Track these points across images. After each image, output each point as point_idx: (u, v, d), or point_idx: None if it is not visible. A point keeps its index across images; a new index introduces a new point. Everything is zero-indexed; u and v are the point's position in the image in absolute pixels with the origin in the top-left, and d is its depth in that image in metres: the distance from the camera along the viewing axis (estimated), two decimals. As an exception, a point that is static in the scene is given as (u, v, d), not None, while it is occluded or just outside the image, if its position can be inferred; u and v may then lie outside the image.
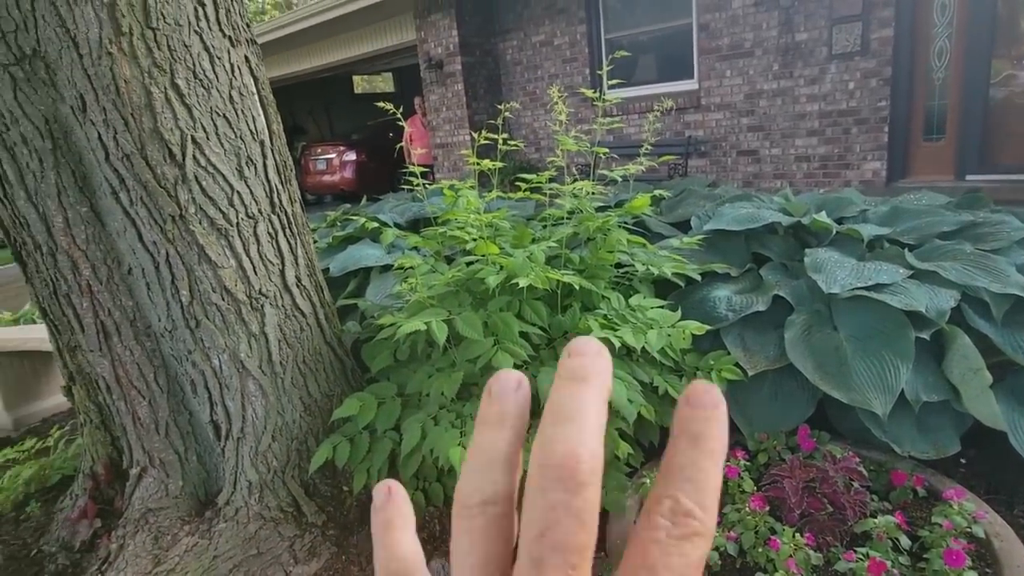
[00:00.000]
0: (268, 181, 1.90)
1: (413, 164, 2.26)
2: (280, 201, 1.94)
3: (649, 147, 2.22)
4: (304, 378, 2.02)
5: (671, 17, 6.65)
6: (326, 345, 2.11)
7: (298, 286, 2.00)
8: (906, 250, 2.18)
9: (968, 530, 1.52)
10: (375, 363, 2.07)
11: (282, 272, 1.94)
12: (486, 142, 1.98)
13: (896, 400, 1.80)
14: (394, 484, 0.27)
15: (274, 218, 1.92)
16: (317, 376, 2.06)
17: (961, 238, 2.25)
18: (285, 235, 1.96)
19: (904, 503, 1.71)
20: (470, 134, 7.94)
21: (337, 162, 10.91)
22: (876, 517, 1.55)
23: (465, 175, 3.85)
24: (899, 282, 2.01)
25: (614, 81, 6.16)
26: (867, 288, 1.99)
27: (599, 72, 2.38)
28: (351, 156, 10.81)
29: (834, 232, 2.34)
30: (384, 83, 18.98)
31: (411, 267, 2.01)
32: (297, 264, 2.01)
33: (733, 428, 2.05)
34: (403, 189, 3.30)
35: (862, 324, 1.98)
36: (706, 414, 0.21)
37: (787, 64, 5.84)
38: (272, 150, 1.93)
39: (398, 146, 2.14)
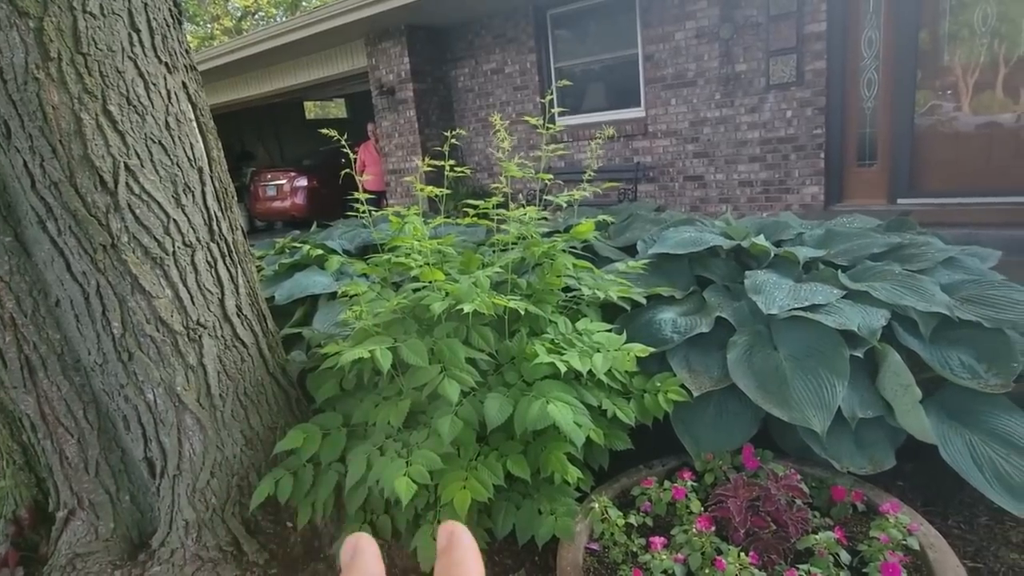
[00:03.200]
0: (207, 208, 1.85)
1: (364, 191, 2.25)
2: (220, 229, 1.90)
3: (593, 174, 2.27)
4: (245, 410, 1.95)
5: (618, 47, 6.86)
6: (269, 376, 2.05)
7: (239, 315, 1.95)
8: (839, 271, 2.27)
9: (904, 543, 1.56)
10: (320, 393, 2.02)
11: (222, 301, 1.89)
12: (429, 169, 1.99)
13: (834, 417, 1.86)
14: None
15: (213, 246, 1.87)
16: (259, 408, 2.00)
17: (890, 259, 2.36)
18: (225, 263, 1.91)
19: (844, 518, 1.75)
20: (421, 162, 7.96)
21: (288, 188, 10.75)
22: (818, 533, 1.58)
23: (418, 200, 3.84)
24: (833, 302, 2.09)
25: (562, 110, 6.28)
26: (804, 308, 2.06)
27: (542, 100, 2.41)
28: (302, 182, 10.67)
29: (772, 255, 2.43)
30: (337, 109, 18.91)
31: (357, 294, 1.99)
32: (238, 293, 1.96)
33: (680, 449, 2.07)
34: (353, 215, 3.27)
35: (800, 344, 2.04)
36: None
37: (728, 93, 6.07)
38: (212, 177, 1.89)
39: (344, 172, 2.13)
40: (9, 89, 1.52)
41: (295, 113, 15.38)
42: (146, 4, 1.68)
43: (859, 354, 1.94)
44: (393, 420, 1.78)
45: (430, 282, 1.91)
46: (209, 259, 1.85)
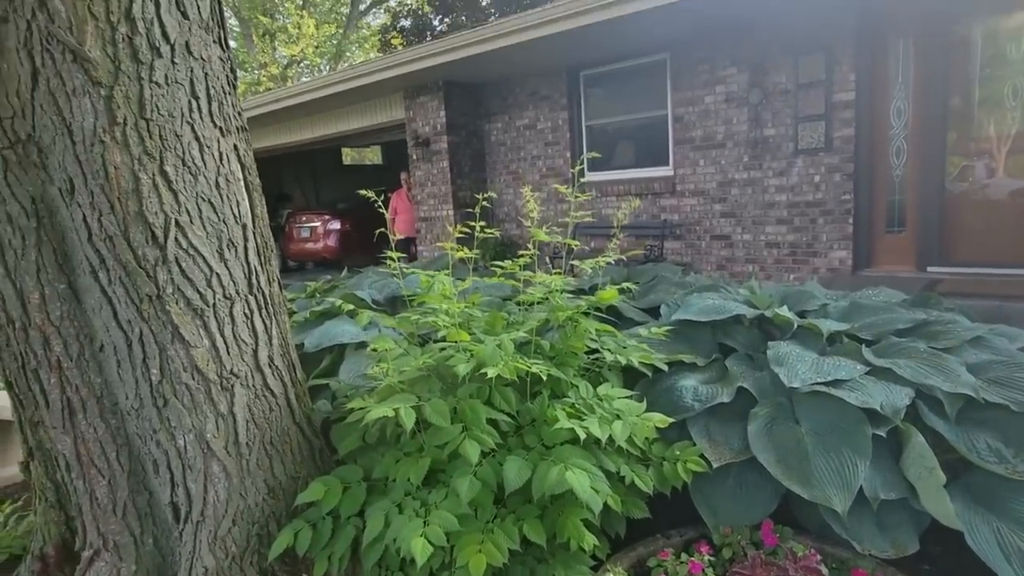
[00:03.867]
0: (248, 263, 1.94)
1: (395, 234, 2.34)
2: (258, 282, 1.99)
3: (619, 238, 2.33)
4: (270, 460, 2.00)
5: (648, 108, 7.02)
6: (295, 426, 2.10)
7: (270, 366, 2.02)
8: (863, 346, 2.27)
9: (927, 635, 1.52)
10: (343, 445, 2.06)
11: (255, 352, 1.96)
12: (462, 234, 2.06)
13: (856, 497, 1.83)
14: None
15: (251, 299, 1.95)
16: (284, 458, 2.04)
17: (915, 335, 2.35)
18: (261, 315, 1.99)
19: (865, 604, 1.71)
20: (452, 211, 8.14)
21: (321, 230, 11.05)
22: (836, 619, 1.55)
23: (447, 251, 3.95)
24: (857, 378, 2.08)
25: (593, 155, 6.41)
26: (826, 383, 2.05)
27: (573, 171, 2.50)
28: (335, 225, 10.96)
29: (796, 326, 2.43)
30: (372, 155, 19.48)
31: (385, 349, 2.04)
32: (271, 344, 2.03)
33: (698, 519, 2.05)
34: (384, 262, 3.35)
35: (822, 419, 2.03)
36: None
37: (756, 156, 6.15)
38: (254, 233, 1.99)
39: (386, 216, 2.22)
40: (77, 150, 1.65)
41: (332, 158, 15.90)
42: (206, 74, 1.82)
43: (882, 433, 1.92)
44: (413, 477, 1.81)
45: (456, 342, 1.96)
46: (246, 311, 1.94)
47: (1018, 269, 4.98)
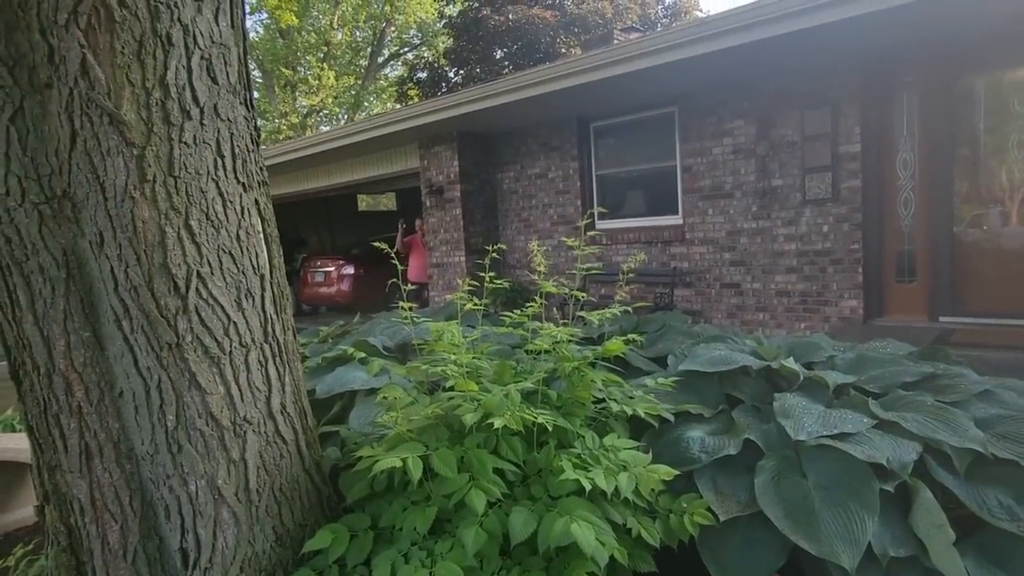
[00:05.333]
0: (264, 312, 2.01)
1: (408, 281, 2.41)
2: (274, 331, 2.05)
3: (624, 290, 2.38)
4: (279, 506, 2.02)
5: (657, 159, 7.17)
6: (304, 473, 2.13)
7: (282, 413, 2.06)
8: (870, 399, 2.27)
9: None
10: (352, 493, 2.08)
11: (268, 399, 2.01)
12: (471, 286, 2.13)
13: (865, 553, 1.82)
14: None
15: (266, 347, 2.01)
16: (292, 505, 2.06)
17: (922, 389, 2.35)
18: (275, 363, 2.04)
19: (877, 665, 1.68)
20: (464, 257, 8.26)
21: (335, 275, 11.21)
22: None
23: (459, 292, 4.03)
24: (864, 432, 2.08)
25: (602, 210, 6.52)
26: (832, 437, 2.06)
27: (579, 225, 2.57)
28: (349, 270, 11.13)
29: (802, 378, 2.45)
30: (387, 201, 19.88)
31: (395, 398, 2.09)
32: (284, 391, 2.08)
33: (705, 573, 2.03)
34: (395, 309, 3.41)
35: (829, 473, 2.03)
36: None
37: (765, 206, 6.23)
38: (271, 283, 2.06)
39: (395, 250, 2.29)
40: (108, 205, 1.74)
41: (348, 204, 16.24)
42: (232, 134, 1.93)
43: (890, 488, 1.92)
44: (419, 526, 1.83)
45: (464, 391, 2.00)
46: (261, 359, 1.99)
47: (1033, 320, 4.96)
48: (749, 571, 1.96)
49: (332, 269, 11.34)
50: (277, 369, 2.05)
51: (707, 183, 6.66)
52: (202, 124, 1.84)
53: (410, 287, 8.23)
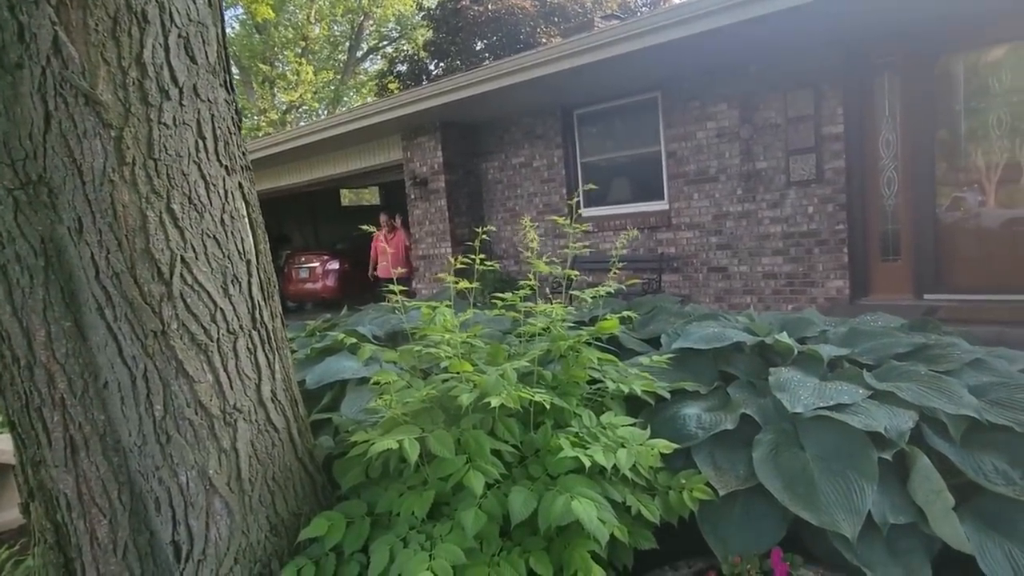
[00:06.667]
0: (251, 298, 1.96)
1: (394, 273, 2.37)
2: (262, 317, 2.00)
3: (617, 271, 2.36)
4: (272, 496, 1.98)
5: (641, 144, 7.16)
6: (297, 461, 2.09)
7: (273, 401, 2.02)
8: (864, 370, 2.28)
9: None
10: (346, 480, 2.05)
11: (258, 387, 1.97)
12: (463, 265, 2.09)
13: (865, 522, 1.82)
14: None
15: (255, 334, 1.97)
16: (286, 494, 2.02)
17: (915, 359, 2.36)
18: (264, 350, 2.00)
19: (880, 632, 1.68)
20: (450, 248, 8.22)
21: (320, 271, 11.11)
22: (851, 647, 1.52)
23: (447, 287, 3.98)
24: (859, 402, 2.08)
25: (591, 187, 6.49)
26: (829, 408, 2.06)
27: (570, 202, 2.54)
28: (334, 265, 11.04)
29: (796, 352, 2.45)
30: (371, 196, 19.72)
31: (387, 382, 2.05)
32: (274, 378, 2.03)
33: (706, 549, 2.03)
34: (384, 298, 3.36)
35: (827, 444, 2.03)
36: None
37: (750, 189, 6.25)
38: (258, 268, 2.01)
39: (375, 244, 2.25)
40: (87, 189, 1.68)
41: (331, 199, 16.09)
42: (213, 115, 1.87)
43: (888, 457, 1.92)
44: (417, 511, 1.80)
45: (458, 373, 1.97)
46: (250, 346, 1.95)
47: (1016, 295, 5.01)
48: (750, 544, 1.96)
49: (317, 265, 11.24)
50: (267, 356, 2.01)
51: (692, 168, 6.67)
52: (182, 105, 1.78)
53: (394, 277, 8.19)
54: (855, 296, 5.79)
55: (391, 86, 20.67)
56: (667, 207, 6.95)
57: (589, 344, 2.20)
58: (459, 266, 2.16)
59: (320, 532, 1.84)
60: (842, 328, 2.72)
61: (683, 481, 2.05)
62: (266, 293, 2.05)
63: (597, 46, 5.76)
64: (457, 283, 2.22)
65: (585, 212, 7.64)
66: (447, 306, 2.18)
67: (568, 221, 2.31)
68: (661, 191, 7.03)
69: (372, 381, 2.09)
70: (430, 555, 1.66)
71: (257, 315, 1.98)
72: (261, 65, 24.27)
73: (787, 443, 2.08)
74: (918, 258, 5.52)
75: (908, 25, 5.19)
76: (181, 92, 1.78)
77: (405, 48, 23.17)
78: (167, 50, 1.74)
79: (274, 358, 2.05)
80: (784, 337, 2.46)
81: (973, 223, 5.32)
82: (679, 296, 6.61)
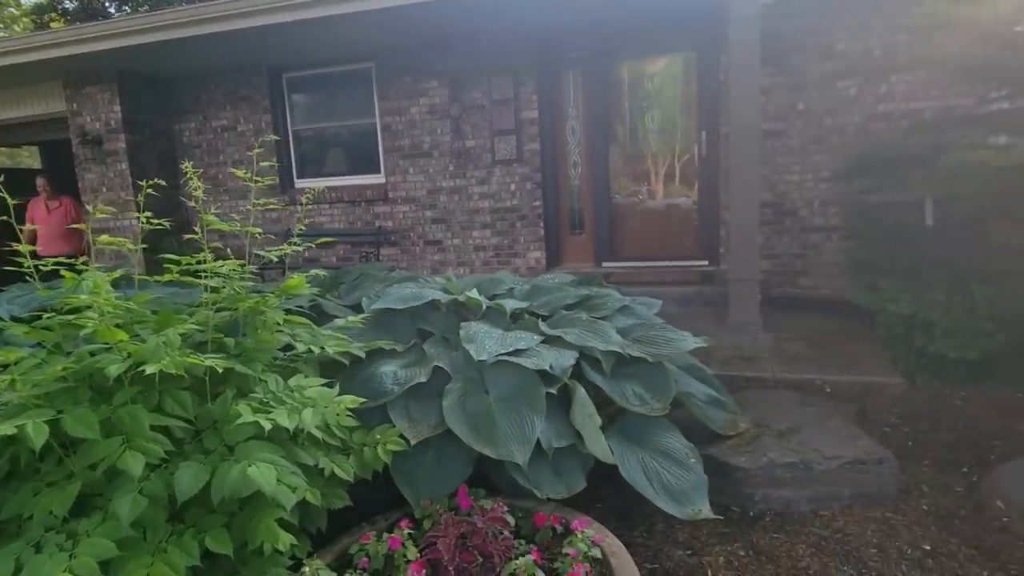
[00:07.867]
0: None
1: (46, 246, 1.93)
2: None
3: (298, 243, 2.26)
4: None
5: (356, 115, 7.02)
6: None
7: None
8: (540, 320, 2.56)
9: (589, 554, 1.77)
10: (-44, 488, 1.63)
11: None
12: (155, 227, 1.81)
13: (535, 450, 2.05)
14: None
15: None
16: None
17: (580, 308, 2.74)
18: None
19: (546, 542, 1.92)
20: (137, 222, 7.09)
21: (-49, 248, 8.68)
22: (519, 559, 1.71)
23: (130, 261, 3.39)
24: (534, 347, 2.34)
25: (298, 184, 6.18)
26: (509, 354, 2.27)
27: (271, 164, 2.36)
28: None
29: (485, 307, 2.64)
30: (31, 158, 16.03)
31: (14, 362, 1.67)
32: None
33: (405, 501, 2.09)
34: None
35: (507, 386, 2.24)
36: None
37: (461, 166, 6.58)
38: None
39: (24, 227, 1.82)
40: None
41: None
42: None
43: (553, 391, 2.19)
44: (57, 509, 1.51)
45: (113, 343, 1.69)
46: None
47: (666, 262, 6.16)
48: (441, 487, 2.07)
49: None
50: None
51: (407, 142, 6.76)
52: None
53: (62, 258, 6.79)
54: (551, 265, 6.52)
55: (54, 24, 16.98)
56: (384, 181, 6.96)
57: (277, 308, 2.08)
58: (151, 227, 1.84)
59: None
60: (526, 286, 3.03)
61: (378, 437, 2.07)
62: None
63: (300, 4, 5.44)
64: (132, 249, 1.89)
65: (299, 183, 7.25)
66: (96, 269, 1.85)
67: (281, 204, 2.13)
68: (378, 164, 7.00)
69: (-9, 363, 1.69)
70: (71, 555, 1.41)
71: None
72: None
73: (474, 389, 2.24)
74: (597, 232, 6.43)
75: (589, 27, 5.94)
76: None
77: (74, -20, 19.14)
78: None
79: None
80: (474, 294, 2.64)
81: (640, 205, 6.37)
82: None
